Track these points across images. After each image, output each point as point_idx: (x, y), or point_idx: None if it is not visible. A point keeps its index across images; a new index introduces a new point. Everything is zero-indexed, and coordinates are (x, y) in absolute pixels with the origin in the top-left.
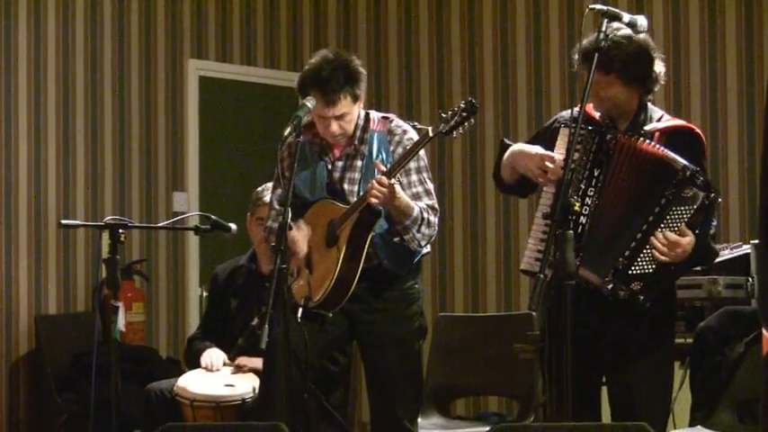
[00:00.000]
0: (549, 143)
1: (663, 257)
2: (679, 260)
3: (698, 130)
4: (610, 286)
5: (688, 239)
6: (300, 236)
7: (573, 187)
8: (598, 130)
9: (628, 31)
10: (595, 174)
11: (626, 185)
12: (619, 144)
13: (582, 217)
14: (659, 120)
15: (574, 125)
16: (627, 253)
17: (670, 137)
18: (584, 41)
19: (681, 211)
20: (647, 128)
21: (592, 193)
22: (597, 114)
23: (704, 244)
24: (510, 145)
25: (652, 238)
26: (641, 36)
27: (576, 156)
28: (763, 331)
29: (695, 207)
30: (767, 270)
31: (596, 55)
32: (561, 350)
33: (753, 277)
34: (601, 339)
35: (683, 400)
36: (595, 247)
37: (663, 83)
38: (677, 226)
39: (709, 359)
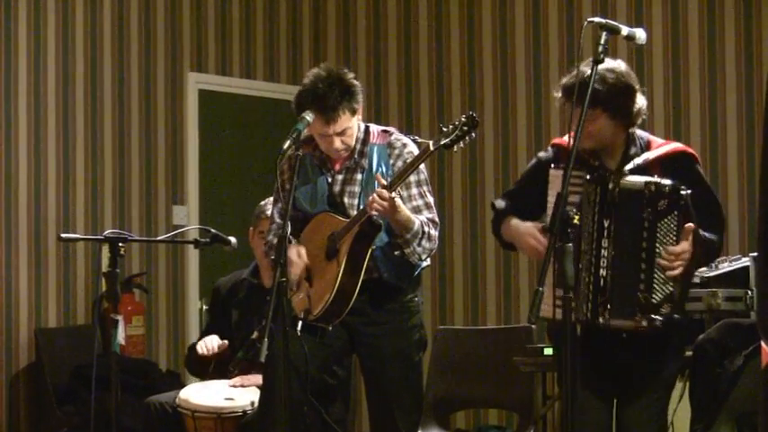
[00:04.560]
0: (540, 187)
1: (675, 272)
2: (690, 266)
3: (690, 150)
4: (644, 323)
5: (685, 245)
6: (295, 256)
7: (585, 241)
8: (598, 180)
9: (609, 65)
10: (605, 224)
11: (627, 227)
12: (621, 191)
13: (601, 270)
14: (648, 147)
15: (565, 165)
16: (642, 286)
17: (664, 165)
18: (564, 79)
19: (666, 222)
20: (638, 161)
21: (606, 245)
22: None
23: (700, 240)
24: (499, 209)
25: (657, 259)
26: (622, 68)
27: (576, 198)
28: (762, 344)
29: (677, 212)
30: (766, 283)
31: (583, 88)
32: (572, 365)
33: (752, 290)
34: (613, 361)
35: (682, 412)
36: (623, 295)
37: (644, 117)
38: (673, 238)
39: (709, 372)
